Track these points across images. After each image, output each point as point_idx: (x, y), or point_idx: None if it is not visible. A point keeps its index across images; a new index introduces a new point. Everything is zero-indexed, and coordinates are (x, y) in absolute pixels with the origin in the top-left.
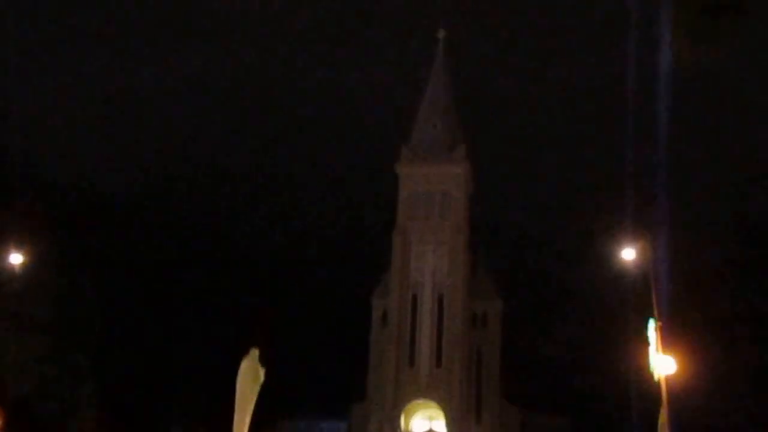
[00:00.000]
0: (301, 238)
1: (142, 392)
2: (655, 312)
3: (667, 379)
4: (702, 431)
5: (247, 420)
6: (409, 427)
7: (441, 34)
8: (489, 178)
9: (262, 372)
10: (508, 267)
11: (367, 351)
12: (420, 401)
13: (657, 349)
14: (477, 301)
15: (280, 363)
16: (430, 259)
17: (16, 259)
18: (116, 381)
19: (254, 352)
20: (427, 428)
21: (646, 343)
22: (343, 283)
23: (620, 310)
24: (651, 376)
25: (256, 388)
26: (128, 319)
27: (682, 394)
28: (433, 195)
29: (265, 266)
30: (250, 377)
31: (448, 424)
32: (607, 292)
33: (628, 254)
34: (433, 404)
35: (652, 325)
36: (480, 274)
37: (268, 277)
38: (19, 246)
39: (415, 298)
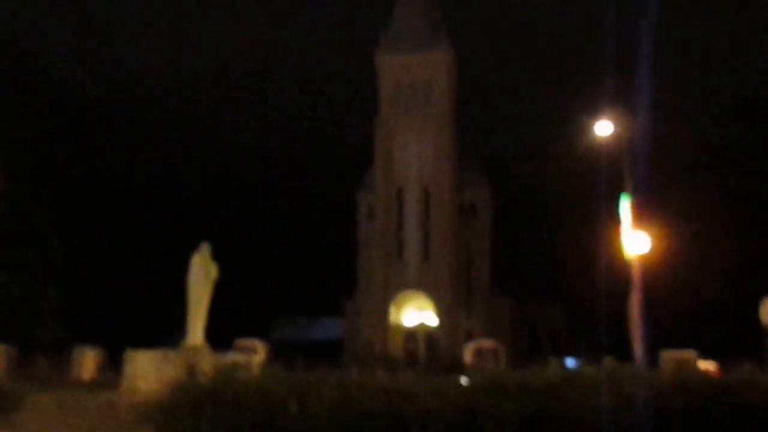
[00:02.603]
0: (282, 134)
1: (117, 300)
2: (629, 188)
3: (639, 257)
4: (671, 310)
5: (202, 317)
6: (400, 320)
7: None
8: (473, 65)
9: (214, 268)
10: (495, 155)
11: (356, 247)
12: (409, 293)
13: (630, 227)
14: (465, 191)
15: (272, 264)
16: (414, 151)
17: None
18: (83, 288)
19: (205, 247)
20: (418, 320)
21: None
22: (327, 180)
23: (600, 188)
24: (623, 255)
25: (210, 284)
26: (90, 219)
27: (652, 273)
28: (415, 84)
29: (246, 166)
30: (202, 273)
31: (438, 315)
32: (587, 171)
33: (604, 128)
34: (422, 296)
35: (625, 201)
36: (467, 165)
37: (250, 178)
38: None
39: (400, 191)
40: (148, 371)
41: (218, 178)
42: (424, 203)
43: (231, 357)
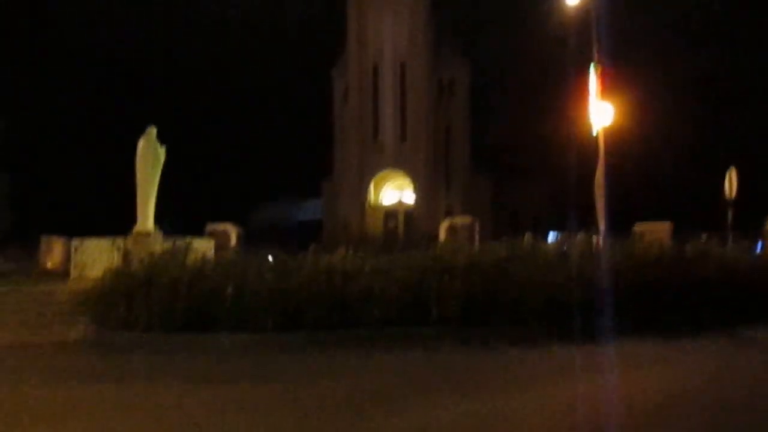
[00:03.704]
0: (253, 13)
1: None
2: (596, 57)
3: (604, 130)
4: (638, 184)
5: (151, 202)
6: (379, 199)
7: None
8: None
9: (162, 151)
10: (472, 31)
11: (333, 129)
12: (388, 173)
13: (597, 97)
14: (443, 68)
15: (254, 149)
16: (389, 27)
17: None
18: (35, 174)
19: (151, 131)
20: (397, 199)
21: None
22: (301, 62)
23: (572, 60)
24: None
25: (158, 169)
26: (39, 99)
27: (620, 146)
28: None
29: (219, 50)
30: (150, 157)
31: (416, 194)
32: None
33: None
34: (401, 175)
35: (593, 72)
36: (444, 41)
37: (224, 62)
38: None
39: (375, 69)
40: (96, 259)
41: (191, 62)
42: (400, 81)
43: (181, 242)
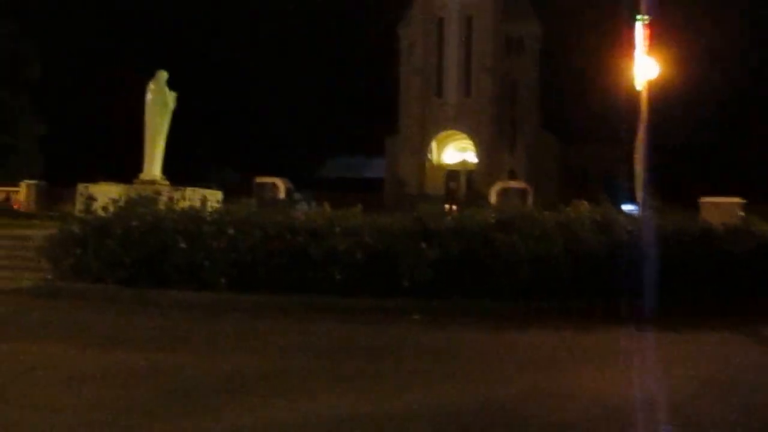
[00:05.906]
0: None
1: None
2: (643, 8)
3: (649, 84)
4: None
5: (160, 151)
6: (441, 159)
7: None
8: None
9: (171, 97)
10: None
11: (398, 84)
12: (451, 132)
13: (642, 52)
14: (512, 23)
15: (318, 105)
16: None
17: None
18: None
19: (161, 75)
20: (460, 159)
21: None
22: (368, 15)
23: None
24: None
25: (167, 115)
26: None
27: (662, 104)
28: None
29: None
30: (158, 102)
31: (479, 154)
32: None
33: None
34: (464, 136)
35: (639, 24)
36: None
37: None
38: None
39: (441, 22)
40: (101, 205)
41: (261, 21)
42: (466, 35)
43: (190, 192)
